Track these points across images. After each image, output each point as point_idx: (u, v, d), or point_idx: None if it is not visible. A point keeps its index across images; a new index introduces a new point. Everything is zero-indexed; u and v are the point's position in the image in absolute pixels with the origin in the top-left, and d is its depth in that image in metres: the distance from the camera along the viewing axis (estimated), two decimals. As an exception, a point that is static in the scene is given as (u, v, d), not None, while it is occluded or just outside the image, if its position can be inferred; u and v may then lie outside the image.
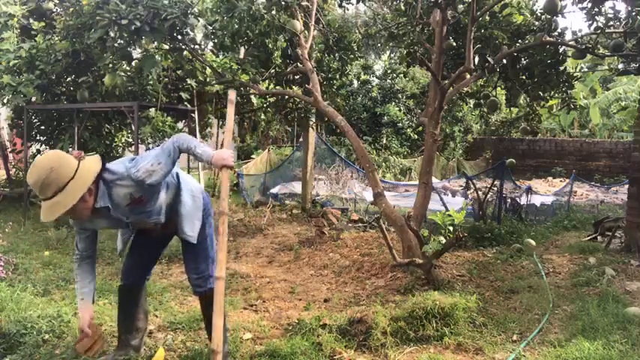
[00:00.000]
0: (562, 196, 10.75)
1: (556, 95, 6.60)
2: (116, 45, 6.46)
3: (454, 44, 6.35)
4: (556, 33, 5.85)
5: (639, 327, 3.77)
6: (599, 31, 5.74)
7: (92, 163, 2.60)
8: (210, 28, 7.31)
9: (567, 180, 12.48)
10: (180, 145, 2.75)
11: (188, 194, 3.06)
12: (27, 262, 5.28)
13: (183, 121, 9.60)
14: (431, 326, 3.63)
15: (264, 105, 11.01)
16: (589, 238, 6.96)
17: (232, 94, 3.06)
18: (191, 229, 3.06)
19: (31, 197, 8.49)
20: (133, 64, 7.62)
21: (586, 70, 17.94)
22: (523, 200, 8.59)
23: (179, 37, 6.51)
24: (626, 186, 7.33)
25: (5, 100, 7.77)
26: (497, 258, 5.87)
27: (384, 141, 16.75)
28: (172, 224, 3.05)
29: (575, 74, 6.43)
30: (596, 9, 5.64)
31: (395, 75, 17.83)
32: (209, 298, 2.89)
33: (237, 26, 6.49)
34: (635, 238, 6.11)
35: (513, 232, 6.97)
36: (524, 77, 6.47)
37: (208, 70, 8.09)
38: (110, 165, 2.71)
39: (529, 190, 9.01)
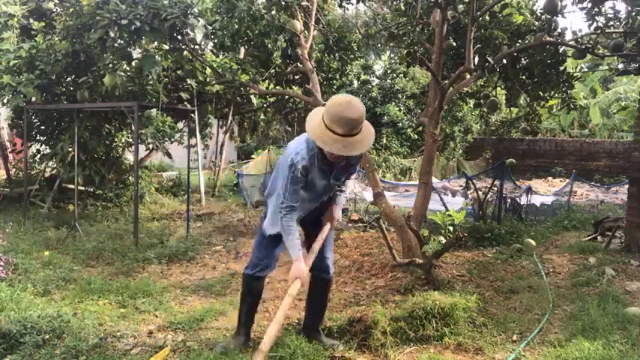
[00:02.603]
0: (562, 196, 10.74)
1: (556, 95, 6.60)
2: (116, 45, 6.46)
3: (454, 44, 6.34)
4: (556, 33, 5.85)
5: (639, 327, 3.77)
6: (599, 31, 5.73)
7: None
8: (210, 28, 7.32)
9: (567, 180, 12.48)
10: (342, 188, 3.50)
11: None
12: (27, 262, 5.27)
13: (183, 121, 9.61)
14: (431, 326, 3.63)
15: (264, 105, 11.02)
16: (589, 238, 6.96)
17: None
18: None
19: (31, 197, 8.49)
20: (133, 64, 7.62)
21: (586, 70, 17.96)
22: (523, 200, 8.58)
23: (179, 37, 6.52)
24: (626, 186, 7.32)
25: (5, 100, 7.76)
26: (497, 258, 5.87)
27: (384, 141, 16.74)
28: (321, 211, 3.47)
29: (575, 74, 6.43)
30: (596, 9, 5.63)
31: (395, 75, 17.83)
32: (330, 281, 3.66)
33: (237, 26, 6.50)
34: (635, 238, 6.10)
35: (513, 232, 6.96)
36: (524, 77, 6.47)
37: (208, 70, 8.09)
38: None
39: (529, 190, 9.00)
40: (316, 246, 3.30)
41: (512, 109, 8.33)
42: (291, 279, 3.03)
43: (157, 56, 6.85)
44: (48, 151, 8.92)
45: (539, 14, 6.32)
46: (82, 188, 8.50)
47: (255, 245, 3.49)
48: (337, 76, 8.68)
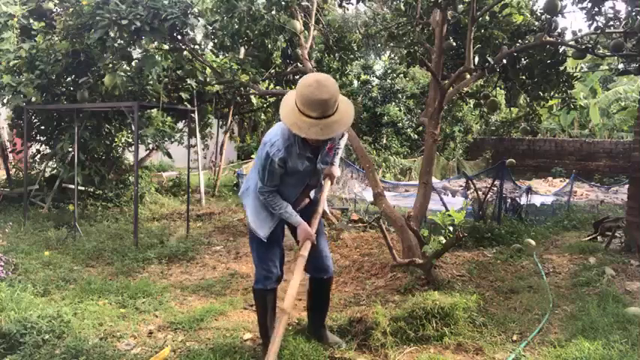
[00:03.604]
0: (562, 196, 10.74)
1: (556, 95, 6.60)
2: (116, 45, 6.46)
3: (454, 44, 6.34)
4: (556, 33, 5.85)
5: (639, 327, 3.77)
6: (599, 31, 5.73)
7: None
8: (210, 28, 7.32)
9: (567, 180, 12.48)
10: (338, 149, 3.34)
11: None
12: (27, 262, 5.27)
13: (183, 121, 9.61)
14: (431, 326, 3.63)
15: (264, 105, 11.03)
16: (589, 238, 6.96)
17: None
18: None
19: (30, 197, 8.49)
20: (133, 64, 7.62)
21: (586, 70, 17.95)
22: (523, 200, 8.58)
23: (179, 37, 6.51)
24: (626, 186, 7.32)
25: (5, 100, 7.77)
26: (497, 258, 5.87)
27: (384, 141, 16.75)
28: (313, 204, 3.33)
29: (575, 74, 6.43)
30: (596, 9, 5.63)
31: (395, 75, 17.82)
32: (331, 280, 3.56)
33: (237, 26, 6.50)
34: (635, 238, 6.11)
35: (513, 232, 6.96)
36: (524, 77, 6.47)
37: (208, 70, 8.09)
38: None
39: (529, 190, 9.00)
40: (319, 208, 3.21)
41: (512, 109, 8.32)
42: (302, 240, 3.06)
43: (157, 56, 6.85)
44: (48, 151, 8.93)
45: (539, 14, 6.32)
46: (82, 188, 8.50)
47: (255, 257, 3.31)
48: (337, 76, 8.68)
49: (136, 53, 7.22)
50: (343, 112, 2.86)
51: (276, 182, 3.05)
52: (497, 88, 7.22)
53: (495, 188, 7.90)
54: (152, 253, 5.89)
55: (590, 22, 5.72)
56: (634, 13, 5.46)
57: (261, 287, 3.29)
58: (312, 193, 3.38)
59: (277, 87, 9.48)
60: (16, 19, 8.03)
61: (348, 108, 2.90)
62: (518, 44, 6.17)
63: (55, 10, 8.21)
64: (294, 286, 2.78)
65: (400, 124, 17.03)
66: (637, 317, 3.92)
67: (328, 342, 3.49)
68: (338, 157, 3.37)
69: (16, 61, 7.48)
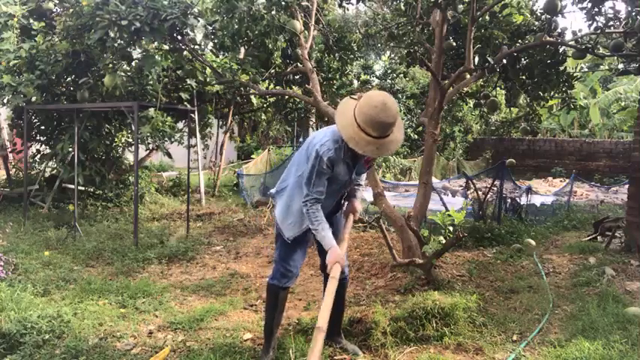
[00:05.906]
0: (562, 196, 10.74)
1: (556, 95, 6.60)
2: (116, 45, 6.45)
3: (454, 44, 6.34)
4: (556, 33, 5.84)
5: (639, 327, 3.77)
6: (599, 31, 5.73)
7: None
8: (210, 28, 7.32)
9: (567, 180, 12.48)
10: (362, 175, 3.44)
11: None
12: (27, 262, 5.28)
13: (183, 121, 9.61)
14: (431, 326, 3.63)
15: (264, 105, 11.03)
16: (589, 238, 6.96)
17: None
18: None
19: (30, 197, 8.49)
20: (133, 64, 7.62)
21: (586, 70, 17.95)
22: (523, 200, 8.59)
23: (179, 37, 6.52)
24: (626, 186, 7.32)
25: (5, 100, 7.76)
26: (497, 258, 5.87)
27: (384, 141, 16.75)
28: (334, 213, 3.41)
29: (575, 74, 6.43)
30: (596, 9, 5.63)
31: (395, 75, 17.82)
32: (347, 282, 3.57)
33: (237, 26, 6.50)
34: (635, 238, 6.11)
35: (513, 232, 6.96)
36: (524, 77, 6.47)
37: (208, 70, 8.09)
38: None
39: (529, 190, 9.01)
40: (345, 236, 3.25)
41: (512, 109, 8.33)
42: (331, 263, 3.00)
43: (156, 56, 6.85)
44: (48, 151, 8.92)
45: (539, 14, 6.32)
46: (82, 188, 8.50)
47: (278, 254, 3.31)
48: (337, 76, 8.67)
49: (136, 53, 7.22)
50: (397, 131, 2.94)
51: (322, 188, 3.02)
52: (497, 88, 7.22)
53: (495, 188, 7.90)
54: (152, 253, 5.89)
55: (590, 22, 5.71)
56: (634, 13, 5.46)
57: (276, 283, 3.29)
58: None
59: (277, 87, 9.48)
60: (16, 19, 8.02)
61: (401, 128, 2.99)
62: (518, 44, 6.17)
63: (55, 10, 8.21)
64: (327, 307, 2.71)
65: (400, 124, 17.01)
66: (637, 317, 3.92)
67: (344, 349, 3.45)
68: (360, 193, 3.46)
69: (16, 61, 7.47)
